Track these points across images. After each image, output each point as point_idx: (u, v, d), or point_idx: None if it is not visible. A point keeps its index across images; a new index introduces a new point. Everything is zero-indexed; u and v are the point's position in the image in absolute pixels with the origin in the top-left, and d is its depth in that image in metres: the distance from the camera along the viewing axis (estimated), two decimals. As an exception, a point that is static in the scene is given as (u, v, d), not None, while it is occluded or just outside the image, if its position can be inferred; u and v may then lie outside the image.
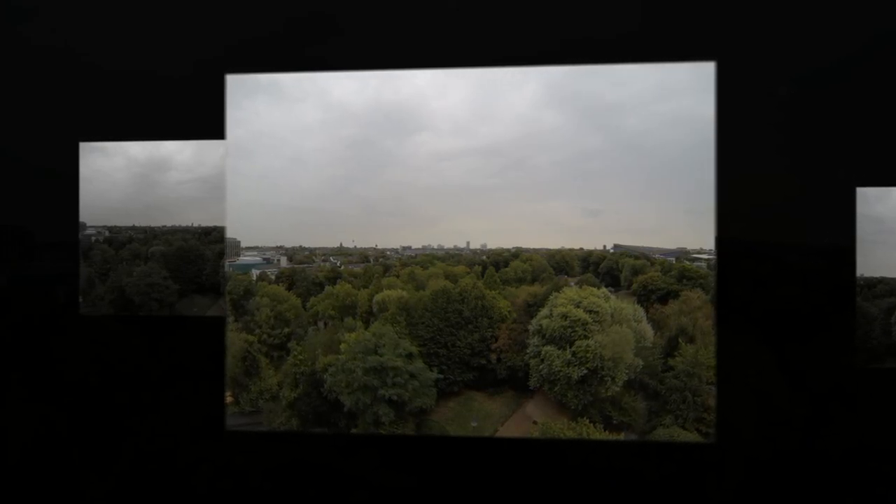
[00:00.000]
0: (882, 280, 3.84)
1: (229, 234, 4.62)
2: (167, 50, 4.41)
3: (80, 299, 4.51)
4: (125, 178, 4.59)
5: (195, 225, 4.67)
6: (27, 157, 4.55)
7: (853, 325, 3.78)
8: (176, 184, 4.64)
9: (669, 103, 4.51)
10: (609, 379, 5.36)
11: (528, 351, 5.71)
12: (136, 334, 4.55)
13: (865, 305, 3.79)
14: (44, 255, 4.55)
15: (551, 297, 5.77)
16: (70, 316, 4.50)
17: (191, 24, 4.39)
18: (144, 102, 4.46)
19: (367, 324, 5.82)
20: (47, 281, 4.55)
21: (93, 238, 4.58)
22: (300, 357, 5.57)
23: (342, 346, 5.44)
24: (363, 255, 6.41)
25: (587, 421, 5.17)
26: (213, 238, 4.67)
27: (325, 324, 5.94)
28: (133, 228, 4.72)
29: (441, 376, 5.54)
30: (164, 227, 4.77)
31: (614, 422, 5.28)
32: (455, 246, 6.28)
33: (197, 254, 4.82)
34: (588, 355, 5.43)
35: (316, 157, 5.20)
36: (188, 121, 4.44)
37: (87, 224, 4.50)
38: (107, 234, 4.66)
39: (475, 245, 6.28)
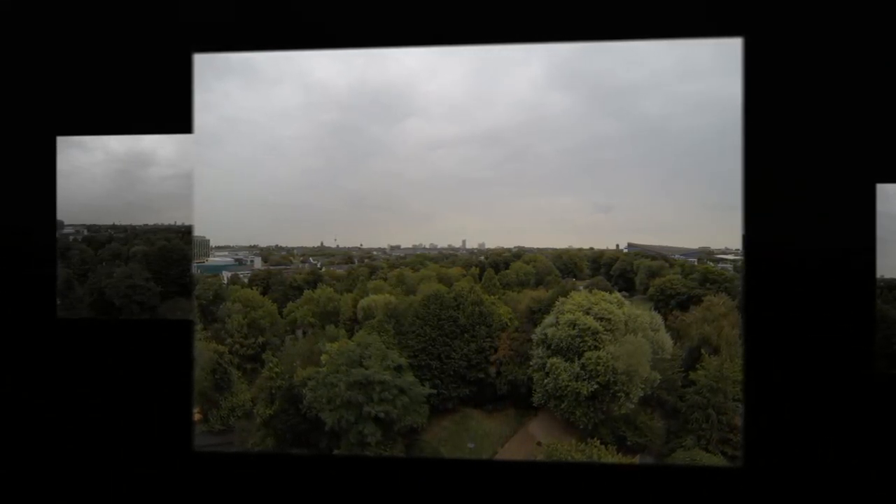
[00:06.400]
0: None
1: (197, 232, 4.33)
2: (134, 36, 4.15)
3: (58, 301, 4.32)
4: (104, 173, 4.44)
5: (177, 223, 4.51)
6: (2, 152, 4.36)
7: (873, 329, 3.56)
8: (160, 179, 4.52)
9: (691, 85, 4.25)
10: (622, 395, 5.16)
11: (531, 363, 5.52)
12: (101, 339, 4.25)
13: (886, 308, 3.63)
14: (21, 255, 4.36)
15: (557, 302, 5.60)
16: (46, 319, 4.29)
17: (159, 8, 4.12)
18: (117, 90, 4.23)
19: (350, 332, 5.61)
20: (26, 282, 4.35)
21: (71, 237, 4.29)
22: (276, 370, 5.34)
23: (323, 358, 5.22)
24: (347, 256, 6.17)
25: (598, 442, 5.02)
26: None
27: (304, 332, 5.72)
28: (113, 227, 4.58)
29: (434, 391, 5.38)
30: (146, 225, 4.63)
31: (628, 443, 5.11)
32: (450, 245, 6.02)
33: (180, 254, 4.63)
34: (599, 368, 5.19)
35: (294, 146, 4.90)
36: (160, 109, 4.19)
37: (65, 223, 4.22)
38: (85, 232, 4.45)
39: (472, 244, 6.01)
